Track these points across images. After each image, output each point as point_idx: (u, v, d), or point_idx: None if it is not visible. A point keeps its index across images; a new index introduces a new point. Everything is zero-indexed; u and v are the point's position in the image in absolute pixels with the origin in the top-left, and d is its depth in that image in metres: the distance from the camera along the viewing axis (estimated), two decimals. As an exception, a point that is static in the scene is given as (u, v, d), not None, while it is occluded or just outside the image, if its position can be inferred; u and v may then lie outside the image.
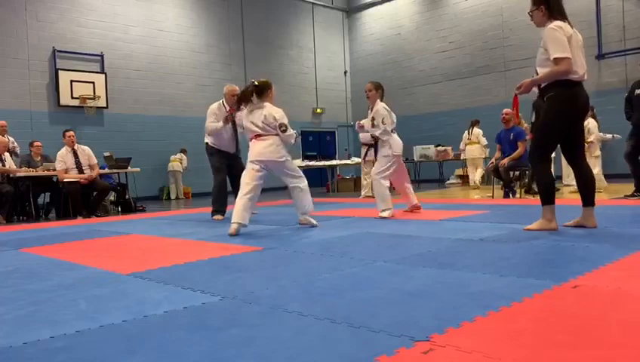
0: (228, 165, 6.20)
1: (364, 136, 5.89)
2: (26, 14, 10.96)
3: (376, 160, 5.70)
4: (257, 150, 4.63)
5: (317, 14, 16.52)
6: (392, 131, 5.54)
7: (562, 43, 3.46)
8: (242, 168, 6.46)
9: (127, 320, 1.93)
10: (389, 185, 5.56)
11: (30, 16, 11.02)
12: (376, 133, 5.54)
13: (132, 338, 1.73)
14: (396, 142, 5.53)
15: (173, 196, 12.82)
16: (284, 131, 4.63)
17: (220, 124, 5.97)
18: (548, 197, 3.70)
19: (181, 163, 12.81)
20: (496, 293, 2.06)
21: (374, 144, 5.69)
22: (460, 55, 14.51)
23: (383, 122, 5.44)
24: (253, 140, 4.72)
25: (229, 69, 14.23)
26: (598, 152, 8.65)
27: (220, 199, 6.19)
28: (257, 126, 4.66)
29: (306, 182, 4.85)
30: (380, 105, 5.53)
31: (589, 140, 8.15)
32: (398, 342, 1.53)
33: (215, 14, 14.09)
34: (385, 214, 5.29)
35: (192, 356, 1.53)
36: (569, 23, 3.60)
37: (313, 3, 16.33)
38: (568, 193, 7.77)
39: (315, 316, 1.85)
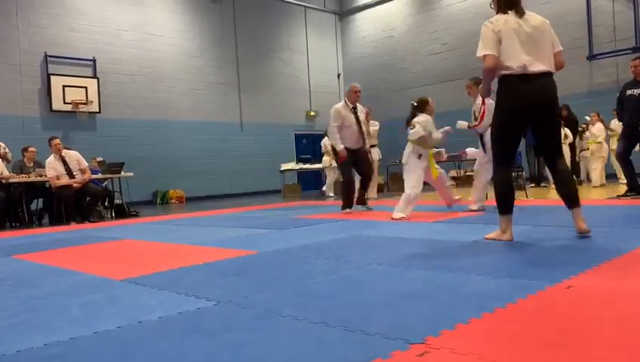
0: (353, 160, 6.41)
1: (461, 124, 6.08)
2: (17, 19, 10.89)
3: (485, 151, 5.70)
4: None
5: (309, 17, 16.52)
6: None
7: (483, 40, 3.32)
8: (367, 162, 6.80)
9: (122, 326, 1.92)
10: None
11: (21, 21, 10.96)
12: (473, 125, 5.77)
13: (127, 344, 1.72)
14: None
15: (331, 193, 10.30)
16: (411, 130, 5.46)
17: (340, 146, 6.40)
18: (503, 206, 3.40)
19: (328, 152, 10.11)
20: (490, 295, 2.06)
21: (480, 137, 5.78)
22: (452, 57, 14.54)
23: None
24: None
25: (222, 72, 14.20)
26: (602, 153, 9.20)
27: (349, 195, 6.42)
28: None
29: (414, 191, 5.48)
30: (479, 100, 5.61)
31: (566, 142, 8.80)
32: (393, 344, 1.53)
33: (207, 18, 14.06)
34: (474, 207, 5.56)
35: (187, 361, 1.52)
36: (517, 11, 3.36)
37: (305, 6, 16.33)
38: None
39: (310, 320, 1.85)
